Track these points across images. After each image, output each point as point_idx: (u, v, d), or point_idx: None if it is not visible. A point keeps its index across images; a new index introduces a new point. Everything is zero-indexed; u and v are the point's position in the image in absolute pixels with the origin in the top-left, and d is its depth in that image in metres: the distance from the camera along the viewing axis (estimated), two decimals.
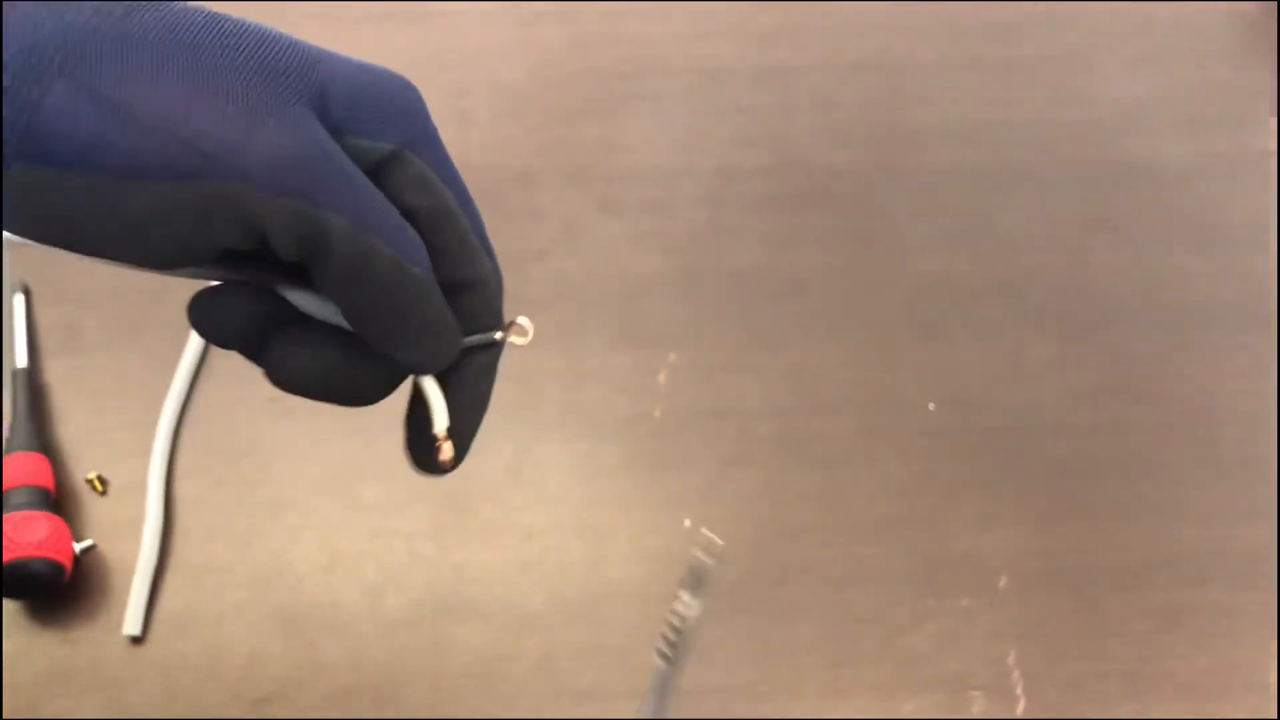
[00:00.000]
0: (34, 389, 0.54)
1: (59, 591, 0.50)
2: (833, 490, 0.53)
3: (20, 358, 0.55)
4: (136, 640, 0.49)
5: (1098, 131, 0.64)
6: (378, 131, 0.26)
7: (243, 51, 0.25)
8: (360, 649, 0.49)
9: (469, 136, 0.63)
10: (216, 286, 0.27)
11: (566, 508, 0.53)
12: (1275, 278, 0.59)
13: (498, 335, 0.29)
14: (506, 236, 0.60)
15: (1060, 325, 0.58)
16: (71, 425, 0.54)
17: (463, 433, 0.30)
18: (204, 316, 0.27)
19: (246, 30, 0.25)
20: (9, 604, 0.50)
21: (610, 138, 0.64)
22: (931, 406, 0.55)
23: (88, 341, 0.56)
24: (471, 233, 0.28)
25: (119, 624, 0.49)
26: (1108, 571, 0.51)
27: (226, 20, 0.25)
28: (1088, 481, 0.54)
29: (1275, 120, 0.64)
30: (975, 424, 0.55)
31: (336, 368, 0.27)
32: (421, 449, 0.29)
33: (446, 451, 0.29)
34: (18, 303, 0.56)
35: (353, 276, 0.25)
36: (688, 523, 0.52)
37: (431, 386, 0.28)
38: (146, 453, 0.53)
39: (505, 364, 0.59)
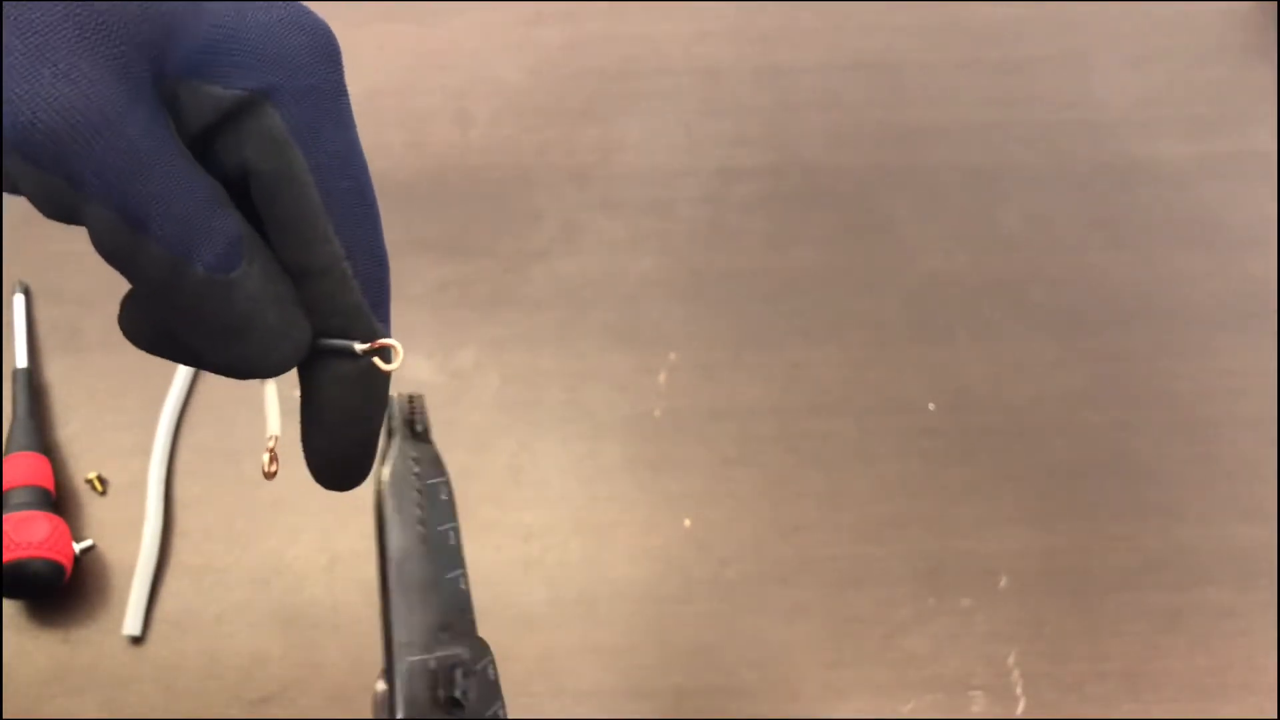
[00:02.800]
0: (34, 389, 0.54)
1: (59, 591, 0.50)
2: (833, 490, 0.53)
3: (20, 358, 0.55)
4: (136, 640, 0.49)
5: (1098, 131, 0.64)
6: (233, 76, 0.22)
7: None
8: (360, 649, 0.49)
9: (469, 136, 0.64)
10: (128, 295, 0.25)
11: (566, 508, 0.53)
12: (1275, 278, 0.59)
13: (357, 347, 0.25)
14: (506, 236, 0.60)
15: (1060, 325, 0.58)
16: (71, 425, 0.54)
17: (329, 448, 0.26)
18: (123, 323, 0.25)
19: None
20: (9, 604, 0.50)
21: (610, 138, 0.64)
22: (931, 406, 0.55)
23: (88, 341, 0.56)
24: (320, 212, 0.24)
25: (119, 624, 0.49)
26: (1108, 571, 0.51)
27: None
28: (1088, 481, 0.54)
29: (1275, 120, 0.65)
30: (975, 424, 0.55)
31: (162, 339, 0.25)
32: (312, 453, 0.26)
33: (267, 463, 0.26)
34: (18, 303, 0.56)
35: (123, 271, 0.22)
36: (688, 522, 0.52)
37: (269, 389, 0.26)
38: (146, 453, 0.53)
39: (505, 364, 0.59)
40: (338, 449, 0.26)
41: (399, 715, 0.30)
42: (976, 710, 0.48)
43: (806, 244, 0.60)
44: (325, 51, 0.24)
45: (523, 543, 0.52)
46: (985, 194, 0.62)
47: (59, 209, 0.22)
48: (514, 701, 0.49)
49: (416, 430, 0.34)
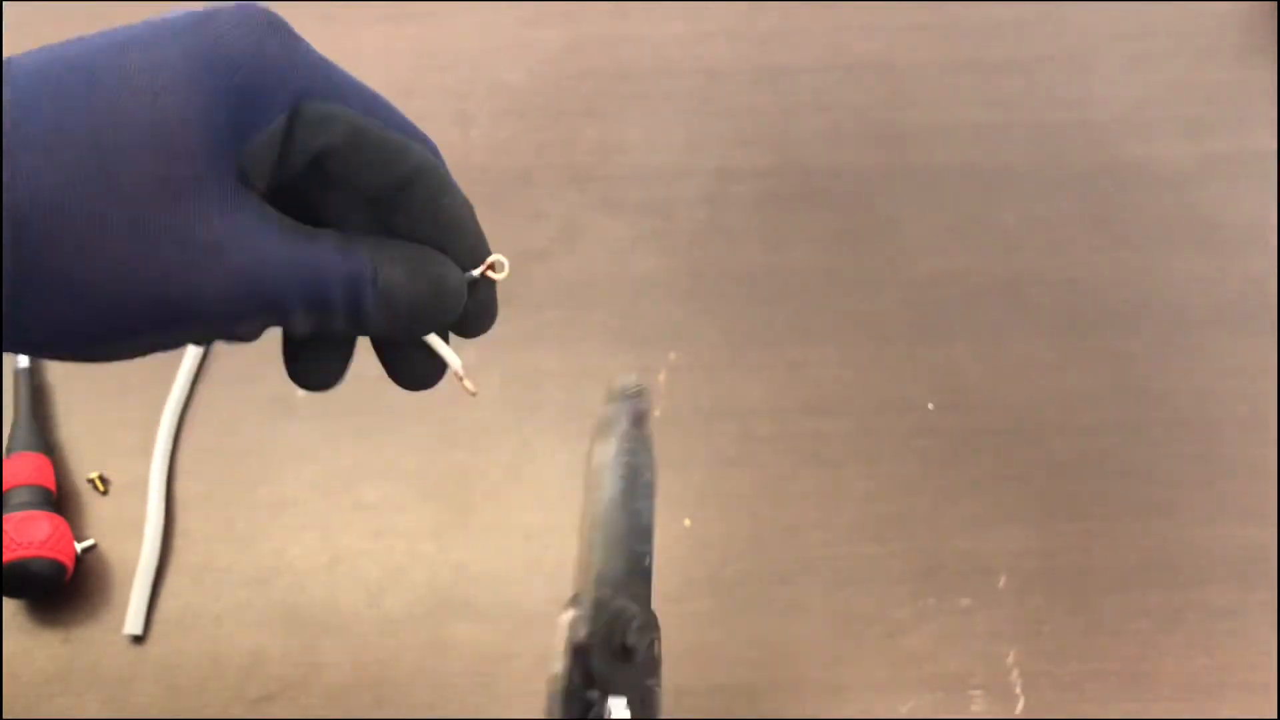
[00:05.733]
0: (35, 389, 0.54)
1: (60, 591, 0.50)
2: (833, 490, 0.53)
3: (21, 358, 0.55)
4: (137, 640, 0.49)
5: (1097, 131, 0.64)
6: (266, 115, 0.26)
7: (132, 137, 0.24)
8: (360, 649, 0.49)
9: (469, 137, 0.64)
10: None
11: (566, 508, 0.53)
12: (1275, 278, 0.59)
13: (476, 272, 0.30)
14: (506, 236, 0.60)
15: (1060, 325, 0.58)
16: (73, 425, 0.54)
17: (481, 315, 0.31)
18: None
19: (114, 109, 0.24)
20: (10, 603, 0.50)
21: (610, 138, 0.64)
22: (931, 406, 0.55)
23: None
24: (391, 129, 0.28)
25: (120, 623, 0.49)
26: (1108, 571, 0.51)
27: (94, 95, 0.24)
28: (1087, 481, 0.54)
29: (1275, 120, 0.65)
30: (975, 424, 0.55)
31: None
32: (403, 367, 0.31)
33: (471, 386, 0.31)
34: None
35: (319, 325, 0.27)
36: (688, 522, 0.52)
37: (433, 340, 0.30)
38: (147, 452, 0.53)
39: (505, 364, 0.59)
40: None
41: (582, 634, 0.33)
42: (976, 709, 0.48)
43: (806, 244, 0.60)
44: (285, 33, 0.26)
45: (523, 543, 0.52)
46: (985, 194, 0.62)
47: (260, 333, 0.27)
48: (514, 701, 0.49)
49: (640, 417, 0.36)
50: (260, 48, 0.26)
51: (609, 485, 0.34)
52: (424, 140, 0.29)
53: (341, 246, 0.27)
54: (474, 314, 0.30)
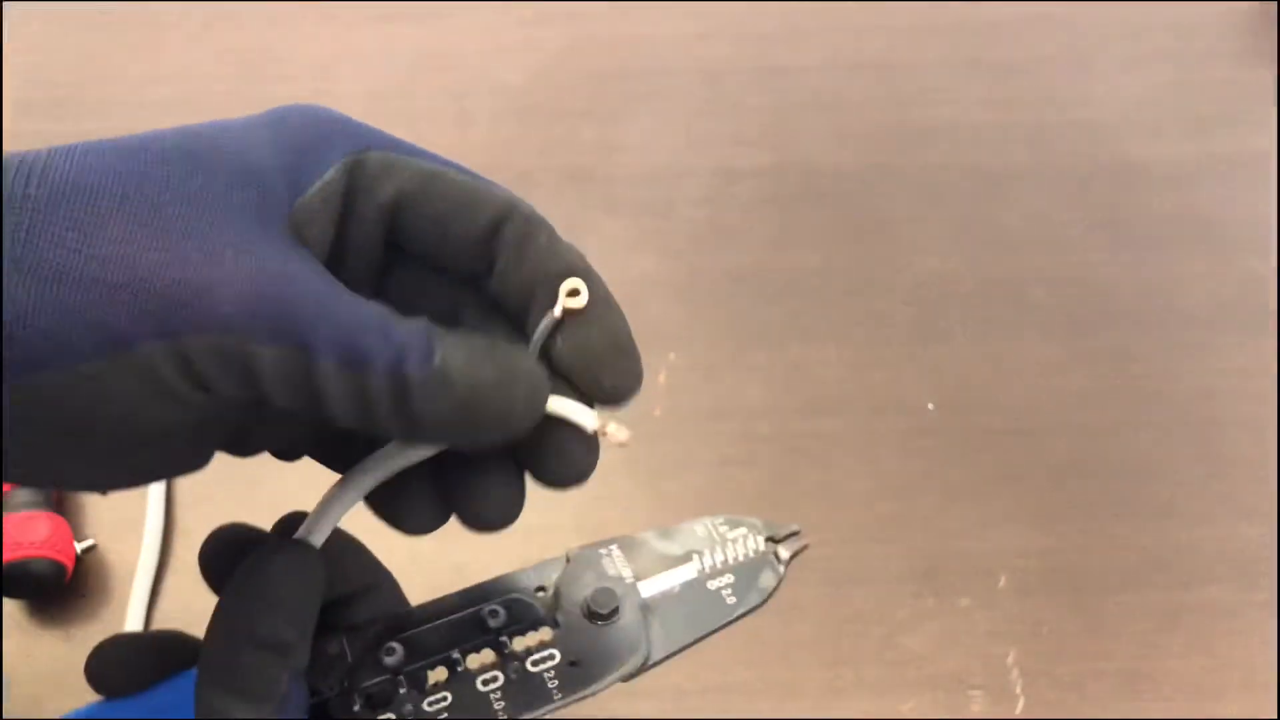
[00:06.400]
0: None
1: (60, 591, 0.50)
2: (833, 490, 0.53)
3: None
4: None
5: (1098, 131, 0.64)
6: (321, 164, 0.24)
7: (181, 178, 0.22)
8: None
9: (469, 137, 0.64)
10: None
11: (566, 508, 0.53)
12: (1275, 278, 0.59)
13: (561, 306, 0.25)
14: None
15: (1060, 325, 0.58)
16: None
17: (622, 380, 0.26)
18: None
19: (180, 152, 0.23)
20: (10, 604, 0.50)
21: (610, 138, 0.64)
22: (931, 406, 0.55)
23: None
24: (464, 174, 0.26)
25: (120, 623, 0.49)
26: (1108, 571, 0.51)
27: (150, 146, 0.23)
28: (1088, 481, 0.54)
29: (1275, 120, 0.65)
30: (975, 424, 0.55)
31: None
32: (558, 464, 0.27)
33: (619, 434, 0.26)
34: None
35: (359, 415, 0.23)
36: None
37: (557, 404, 0.25)
38: None
39: None
40: (630, 372, 0.27)
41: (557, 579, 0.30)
42: (975, 709, 0.48)
43: (806, 244, 0.60)
44: (342, 116, 0.26)
45: (523, 543, 0.52)
46: (985, 194, 0.62)
47: (295, 387, 0.22)
48: None
49: None
50: (316, 114, 0.25)
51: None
52: (510, 191, 0.26)
53: (396, 314, 0.23)
54: (561, 442, 0.26)
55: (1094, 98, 0.65)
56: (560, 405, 0.25)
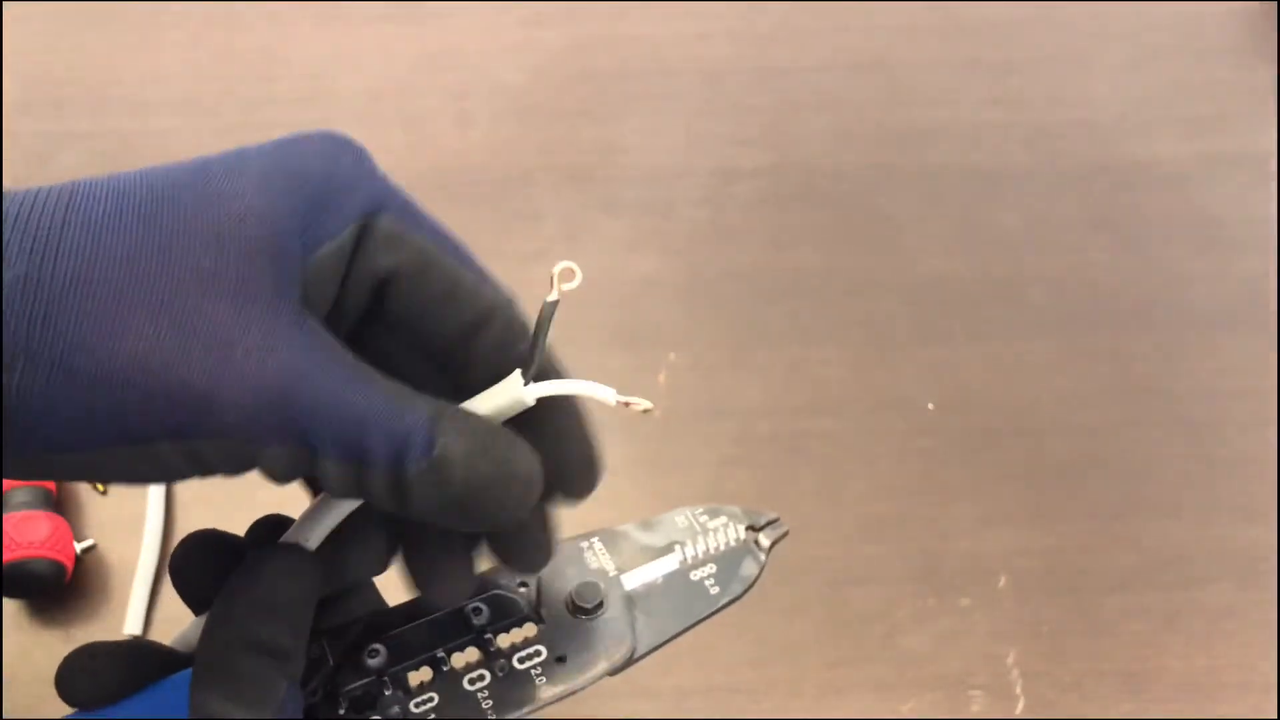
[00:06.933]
0: None
1: (60, 591, 0.50)
2: (832, 490, 0.53)
3: None
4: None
5: (1098, 131, 0.64)
6: (336, 224, 0.24)
7: (182, 251, 0.22)
8: None
9: (469, 137, 0.64)
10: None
11: (566, 508, 0.53)
12: (1275, 278, 0.59)
13: (554, 296, 0.25)
14: (507, 237, 0.60)
15: (1060, 325, 0.58)
16: None
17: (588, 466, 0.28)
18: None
19: (174, 221, 0.23)
20: (9, 604, 0.50)
21: (610, 138, 0.64)
22: (931, 406, 0.55)
23: None
24: (463, 268, 0.26)
25: (120, 624, 0.49)
26: (1107, 571, 0.51)
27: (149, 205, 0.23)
28: (1088, 481, 0.54)
29: (1275, 120, 0.65)
30: (975, 424, 0.55)
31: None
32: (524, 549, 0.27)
33: (641, 404, 0.25)
34: None
35: (355, 495, 0.24)
36: None
37: (565, 386, 0.25)
38: None
39: None
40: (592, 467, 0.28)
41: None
42: (976, 709, 0.48)
43: (806, 244, 0.60)
44: (362, 155, 0.25)
45: None
46: (985, 194, 0.62)
47: (297, 472, 0.23)
48: None
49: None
50: (335, 163, 0.25)
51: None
52: (501, 289, 0.26)
53: (401, 398, 0.23)
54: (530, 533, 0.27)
55: (1094, 98, 0.65)
56: (575, 385, 0.25)
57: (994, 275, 0.59)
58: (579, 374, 0.57)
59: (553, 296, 0.25)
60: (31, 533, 0.48)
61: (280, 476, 0.24)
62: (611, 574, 0.31)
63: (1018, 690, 0.48)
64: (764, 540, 0.33)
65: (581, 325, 0.57)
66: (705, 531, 0.33)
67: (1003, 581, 0.51)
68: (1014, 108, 0.65)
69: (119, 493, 0.53)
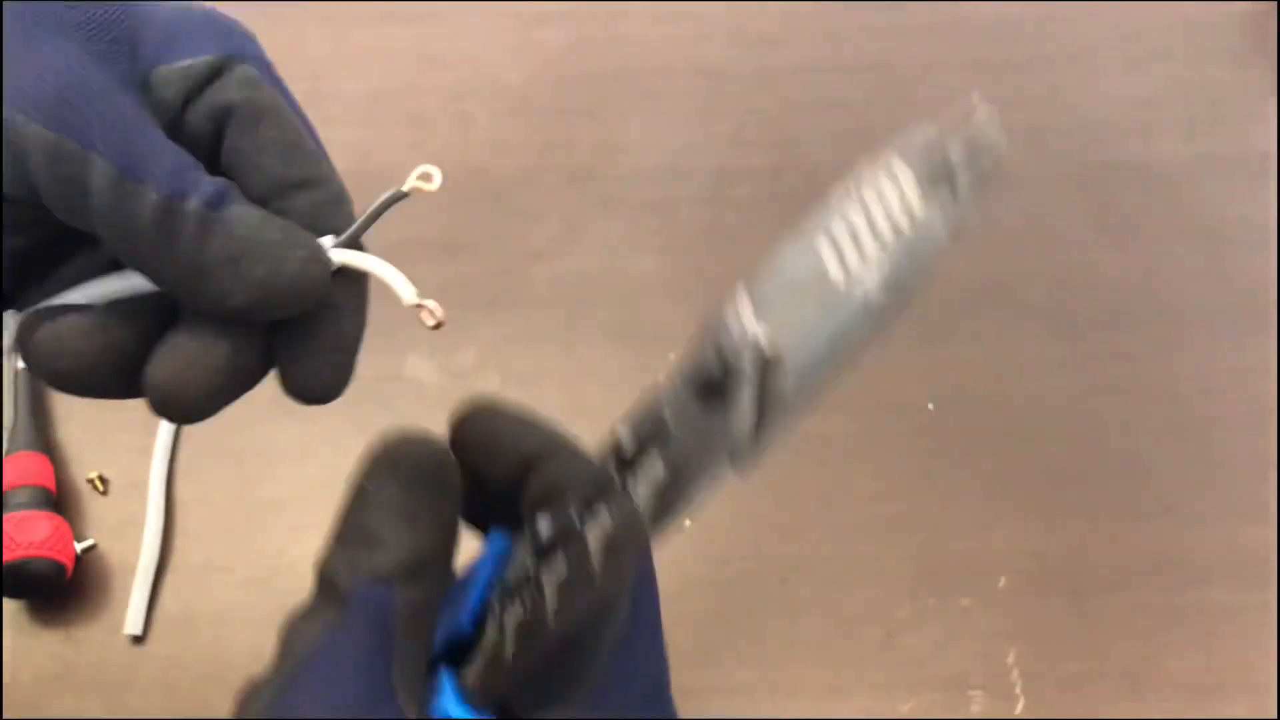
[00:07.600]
0: (35, 389, 0.54)
1: (60, 591, 0.50)
2: (832, 490, 0.53)
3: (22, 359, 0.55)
4: (137, 640, 0.49)
5: (1098, 131, 0.64)
6: (195, 49, 0.26)
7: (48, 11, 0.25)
8: None
9: (469, 137, 0.64)
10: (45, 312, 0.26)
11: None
12: (1275, 278, 0.59)
13: (406, 187, 0.25)
14: (506, 236, 0.60)
15: (1060, 325, 0.58)
16: (72, 425, 0.54)
17: (337, 366, 0.27)
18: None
19: None
20: (10, 604, 0.50)
21: (610, 138, 0.64)
22: (931, 406, 0.55)
23: None
24: (305, 134, 0.26)
25: (120, 623, 0.49)
26: (1107, 571, 0.51)
27: None
28: (1088, 481, 0.54)
29: (1275, 120, 0.64)
30: (975, 424, 0.55)
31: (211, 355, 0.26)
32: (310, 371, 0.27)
33: (436, 312, 0.25)
34: None
35: (123, 227, 0.23)
36: (688, 522, 0.52)
37: (369, 262, 0.25)
38: (147, 452, 0.53)
39: (505, 364, 0.59)
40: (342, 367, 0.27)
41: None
42: (975, 710, 0.48)
43: None
44: (250, 35, 0.27)
45: None
46: (985, 194, 0.62)
47: (66, 180, 0.23)
48: None
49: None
50: (224, 21, 0.27)
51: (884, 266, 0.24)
52: (338, 180, 0.27)
53: (199, 164, 0.24)
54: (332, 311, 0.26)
55: (1094, 98, 0.65)
56: (379, 266, 0.25)
57: (994, 275, 0.59)
58: (579, 373, 0.57)
59: (405, 188, 0.25)
60: (31, 533, 0.48)
61: (50, 189, 0.23)
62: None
63: (1017, 690, 0.48)
64: (962, 180, 0.25)
65: (582, 325, 0.57)
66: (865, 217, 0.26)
67: (1002, 581, 0.51)
68: (1014, 108, 0.65)
69: (119, 493, 0.53)
